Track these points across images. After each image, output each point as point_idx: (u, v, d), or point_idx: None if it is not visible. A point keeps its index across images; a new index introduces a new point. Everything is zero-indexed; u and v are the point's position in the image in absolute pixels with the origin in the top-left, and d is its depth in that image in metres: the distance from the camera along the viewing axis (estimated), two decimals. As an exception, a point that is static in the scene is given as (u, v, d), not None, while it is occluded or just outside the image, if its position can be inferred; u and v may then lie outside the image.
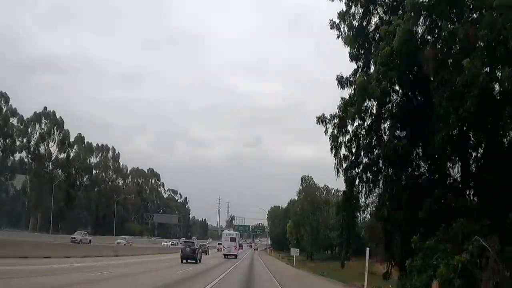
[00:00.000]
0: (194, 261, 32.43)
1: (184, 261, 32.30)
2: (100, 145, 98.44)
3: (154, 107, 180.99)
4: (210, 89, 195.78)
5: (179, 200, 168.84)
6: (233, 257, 49.66)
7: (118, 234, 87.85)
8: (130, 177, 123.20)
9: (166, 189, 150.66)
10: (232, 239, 52.45)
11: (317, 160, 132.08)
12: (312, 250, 66.74)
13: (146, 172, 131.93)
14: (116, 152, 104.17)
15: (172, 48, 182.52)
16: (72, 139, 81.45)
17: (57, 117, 76.62)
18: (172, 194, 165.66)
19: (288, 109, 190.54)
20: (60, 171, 79.62)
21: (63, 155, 78.73)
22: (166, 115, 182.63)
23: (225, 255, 50.51)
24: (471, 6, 15.03)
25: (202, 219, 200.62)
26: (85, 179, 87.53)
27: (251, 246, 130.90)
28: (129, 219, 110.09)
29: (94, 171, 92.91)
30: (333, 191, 70.33)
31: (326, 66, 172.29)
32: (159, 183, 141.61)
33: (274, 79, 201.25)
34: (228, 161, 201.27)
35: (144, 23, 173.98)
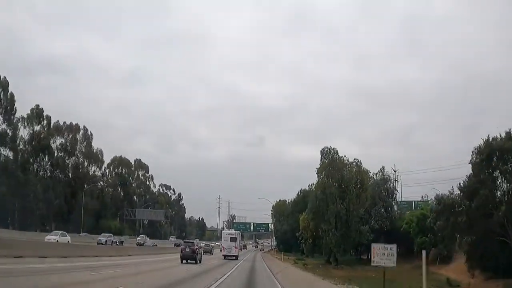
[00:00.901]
0: (194, 262, 32.13)
1: (184, 261, 31.96)
2: (68, 123, 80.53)
3: (154, 108, 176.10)
4: (211, 89, 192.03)
5: (172, 197, 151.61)
6: (234, 258, 46.87)
7: (90, 232, 70.36)
8: (111, 167, 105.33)
9: (158, 184, 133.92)
10: (233, 239, 49.30)
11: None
12: (339, 250, 48.44)
13: (132, 162, 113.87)
14: (89, 132, 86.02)
15: (173, 48, 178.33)
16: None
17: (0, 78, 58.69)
18: (165, 190, 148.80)
19: (291, 108, 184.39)
20: (7, 150, 61.79)
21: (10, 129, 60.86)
22: (167, 116, 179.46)
23: (225, 256, 47.48)
24: None
25: (199, 218, 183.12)
26: (44, 162, 69.46)
27: (257, 247, 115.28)
28: (107, 215, 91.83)
29: (57, 154, 74.61)
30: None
31: (327, 65, 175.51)
32: (148, 175, 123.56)
33: (276, 78, 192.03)
34: (229, 161, 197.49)
35: (144, 23, 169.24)
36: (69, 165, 78.71)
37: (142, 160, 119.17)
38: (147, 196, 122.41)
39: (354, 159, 48.07)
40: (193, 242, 38.19)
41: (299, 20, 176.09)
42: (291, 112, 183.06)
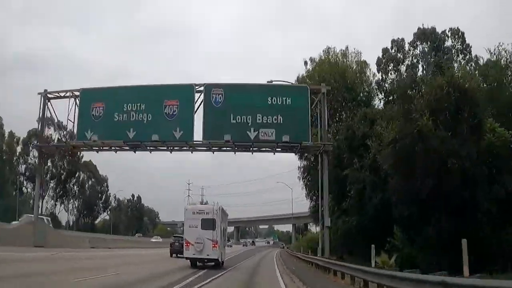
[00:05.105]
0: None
1: (174, 255, 32.53)
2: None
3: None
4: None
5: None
6: (212, 263, 22.98)
7: None
8: None
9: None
10: (206, 223, 21.99)
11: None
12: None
13: None
14: None
15: (156, 44, 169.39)
16: None
17: None
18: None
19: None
20: None
21: None
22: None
23: (192, 261, 22.68)
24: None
25: (135, 196, 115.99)
26: None
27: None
28: None
29: None
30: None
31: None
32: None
33: (264, 72, 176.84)
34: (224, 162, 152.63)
35: (124, 19, 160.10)
36: None
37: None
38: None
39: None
40: (182, 237, 33.08)
41: (288, 10, 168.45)
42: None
